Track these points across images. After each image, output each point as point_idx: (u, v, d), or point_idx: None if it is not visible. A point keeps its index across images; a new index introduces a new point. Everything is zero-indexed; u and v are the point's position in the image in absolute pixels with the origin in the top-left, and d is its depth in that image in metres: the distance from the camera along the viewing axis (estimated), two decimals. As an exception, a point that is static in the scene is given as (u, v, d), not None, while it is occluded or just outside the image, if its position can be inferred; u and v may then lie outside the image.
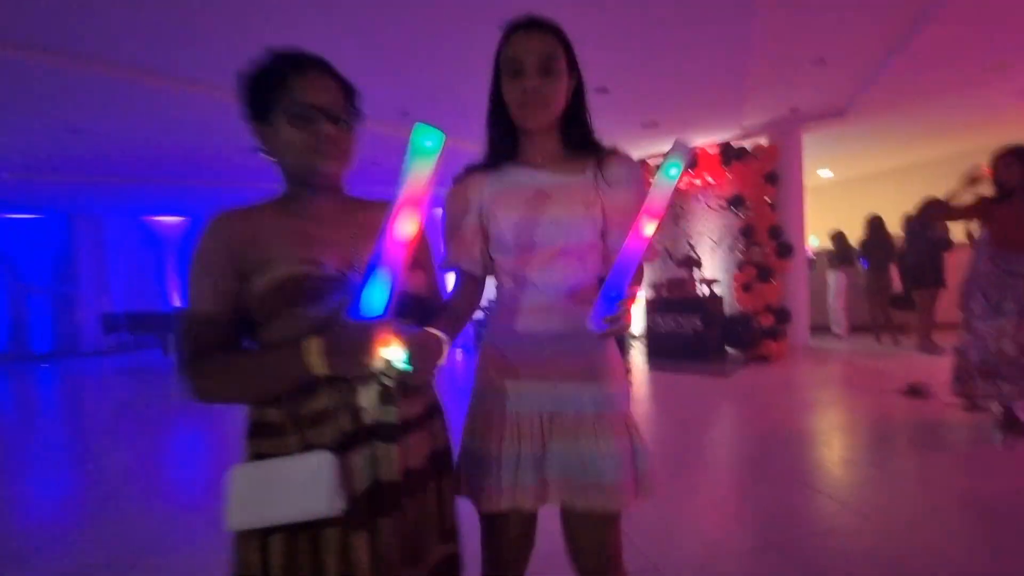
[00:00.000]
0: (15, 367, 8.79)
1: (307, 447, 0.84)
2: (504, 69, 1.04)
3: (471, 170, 1.13)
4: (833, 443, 3.17)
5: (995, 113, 6.28)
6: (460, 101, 4.25)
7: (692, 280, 6.38)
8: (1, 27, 3.11)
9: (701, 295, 6.24)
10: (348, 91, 0.93)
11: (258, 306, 0.85)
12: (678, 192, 7.14)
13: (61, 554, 2.26)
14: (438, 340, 0.91)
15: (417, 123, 0.73)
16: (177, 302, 10.75)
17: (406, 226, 0.74)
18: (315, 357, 0.77)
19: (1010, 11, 3.55)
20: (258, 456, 0.85)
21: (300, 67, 0.87)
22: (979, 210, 3.18)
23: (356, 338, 0.75)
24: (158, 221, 10.86)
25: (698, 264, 6.47)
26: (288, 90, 0.85)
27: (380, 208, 0.97)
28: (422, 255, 1.06)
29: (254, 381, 0.83)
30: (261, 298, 0.84)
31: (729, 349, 6.17)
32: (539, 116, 1.04)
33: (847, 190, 10.08)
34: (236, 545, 0.84)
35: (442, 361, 0.91)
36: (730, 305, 6.46)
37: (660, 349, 6.26)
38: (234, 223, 0.88)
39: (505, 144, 1.11)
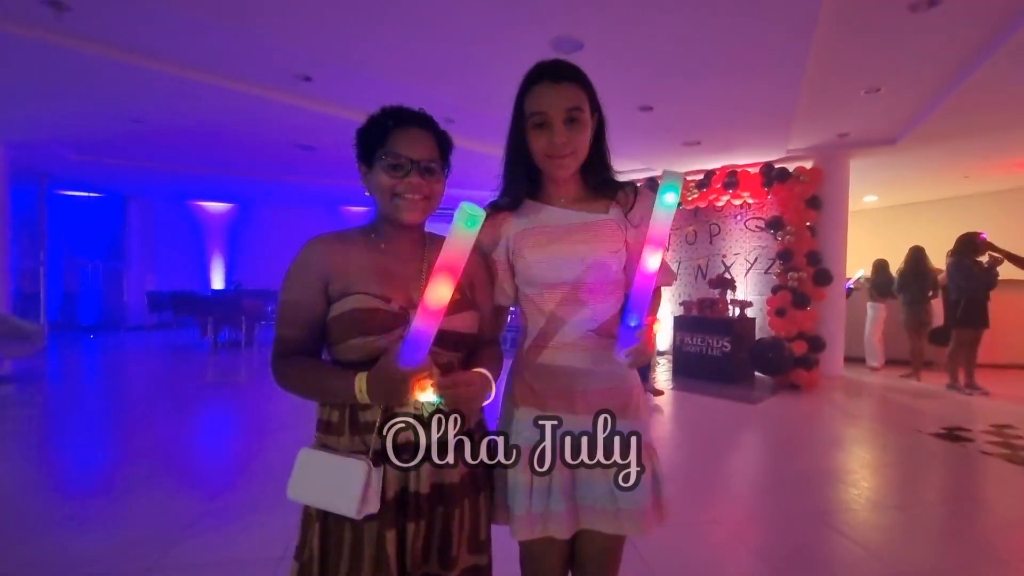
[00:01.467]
0: (64, 336, 9.27)
1: (362, 447, 0.97)
2: (529, 119, 1.05)
3: (496, 207, 1.15)
4: (860, 483, 3.10)
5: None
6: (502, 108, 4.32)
7: (724, 300, 6.29)
8: (79, 25, 3.31)
9: (732, 316, 6.15)
10: (444, 145, 1.05)
11: (332, 329, 1.00)
12: (715, 210, 7.05)
13: (108, 523, 2.41)
14: (485, 379, 1.01)
15: (463, 203, 0.79)
16: (217, 285, 11.15)
17: (440, 292, 0.83)
18: (361, 391, 0.90)
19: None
20: (323, 447, 1.01)
21: (402, 122, 1.01)
22: None
23: (394, 380, 0.86)
24: (204, 207, 11.28)
25: (732, 285, 6.38)
26: (385, 140, 0.99)
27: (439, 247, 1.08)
28: (480, 295, 1.14)
29: (316, 391, 1.00)
30: (334, 323, 0.99)
31: (758, 374, 6.06)
32: (567, 167, 1.08)
33: (892, 216, 9.77)
34: (301, 524, 1.01)
35: (489, 397, 1.03)
36: (762, 329, 6.35)
37: (686, 368, 6.19)
38: (327, 249, 1.03)
39: (526, 185, 1.14)
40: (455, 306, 1.02)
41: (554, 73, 1.04)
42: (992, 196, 8.43)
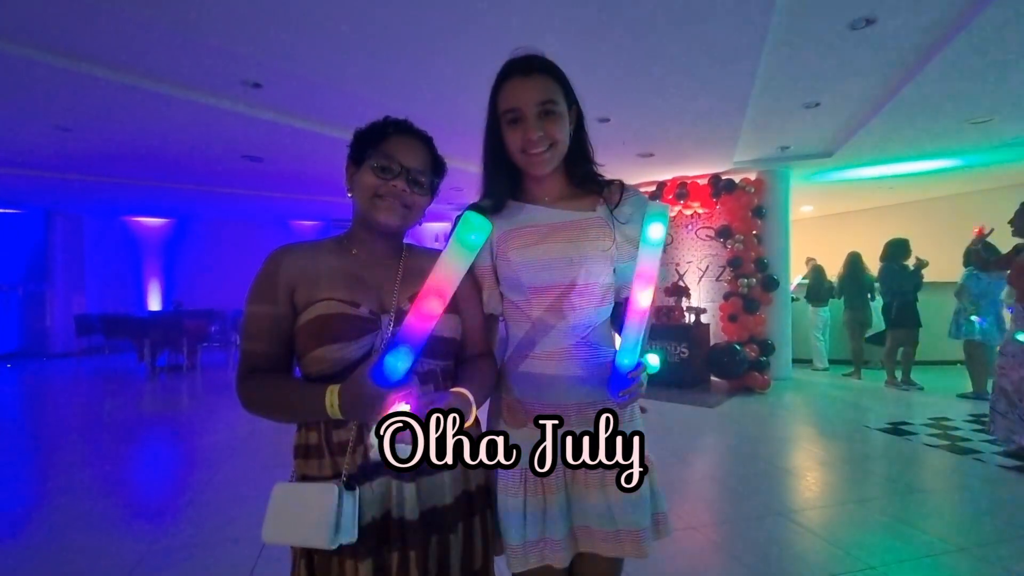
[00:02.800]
0: (-23, 366, 8.42)
1: (335, 472, 0.91)
2: (502, 117, 1.01)
3: (478, 209, 1.11)
4: (821, 479, 3.21)
5: (970, 164, 6.57)
6: (464, 121, 4.28)
7: (680, 308, 6.45)
8: None
9: (688, 323, 6.31)
10: (437, 166, 1.03)
11: (299, 340, 0.95)
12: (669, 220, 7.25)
13: (38, 572, 2.15)
14: (467, 401, 0.92)
15: (467, 211, 0.73)
16: (154, 305, 10.46)
17: (432, 306, 0.78)
18: (333, 405, 0.84)
19: (992, 68, 3.73)
20: (303, 477, 0.94)
21: (402, 130, 1.01)
22: (1009, 260, 3.44)
23: (370, 398, 0.79)
24: (139, 222, 10.61)
25: (686, 293, 6.55)
26: (380, 143, 0.98)
27: (427, 256, 1.04)
28: (465, 302, 1.07)
29: (285, 409, 0.93)
30: (300, 333, 0.94)
31: (714, 379, 6.23)
32: (546, 162, 1.02)
33: (825, 225, 10.38)
34: (292, 562, 0.96)
35: (469, 419, 0.93)
36: (715, 335, 6.54)
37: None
38: (294, 257, 0.98)
39: (507, 186, 1.09)
40: None
41: (525, 67, 1.01)
42: (913, 205, 9.11)
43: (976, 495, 2.94)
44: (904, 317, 5.82)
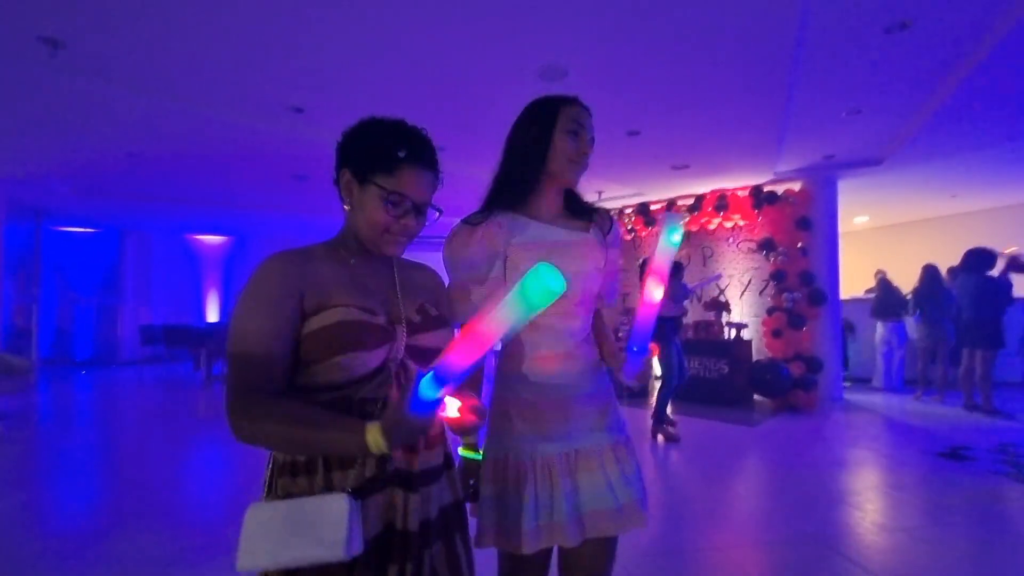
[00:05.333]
0: (56, 372, 9.15)
1: (328, 489, 0.85)
2: (562, 126, 1.14)
3: (485, 218, 1.16)
4: (864, 504, 3.03)
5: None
6: (492, 135, 4.39)
7: (719, 323, 6.27)
8: (74, 59, 3.38)
9: (728, 339, 6.11)
10: (437, 182, 0.99)
11: (309, 347, 0.87)
12: (707, 234, 7.10)
13: (92, 560, 2.33)
14: (484, 410, 1.00)
15: (541, 264, 0.67)
16: (212, 318, 11.09)
17: (476, 347, 0.74)
18: (375, 442, 0.77)
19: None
20: (286, 495, 0.86)
21: (413, 158, 0.92)
22: None
23: (413, 429, 0.78)
24: (201, 240, 11.34)
25: (727, 307, 6.37)
26: (393, 172, 0.90)
27: (413, 267, 1.08)
28: (447, 312, 1.10)
29: (302, 441, 0.82)
30: (313, 339, 0.86)
31: (757, 397, 5.98)
32: (579, 176, 1.18)
33: (883, 236, 9.84)
34: None
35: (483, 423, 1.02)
36: (758, 351, 6.30)
37: (684, 392, 6.11)
38: (296, 263, 0.91)
39: (523, 194, 1.17)
40: (435, 322, 1.00)
41: (584, 104, 1.19)
42: (982, 214, 8.51)
43: None
44: (986, 335, 5.22)
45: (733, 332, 6.15)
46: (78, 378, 8.70)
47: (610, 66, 3.49)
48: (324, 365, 0.86)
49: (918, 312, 6.12)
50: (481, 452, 1.14)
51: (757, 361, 6.01)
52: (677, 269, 4.67)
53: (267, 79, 3.71)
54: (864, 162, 5.80)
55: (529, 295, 0.68)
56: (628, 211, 7.94)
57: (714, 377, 5.85)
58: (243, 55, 3.34)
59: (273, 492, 0.89)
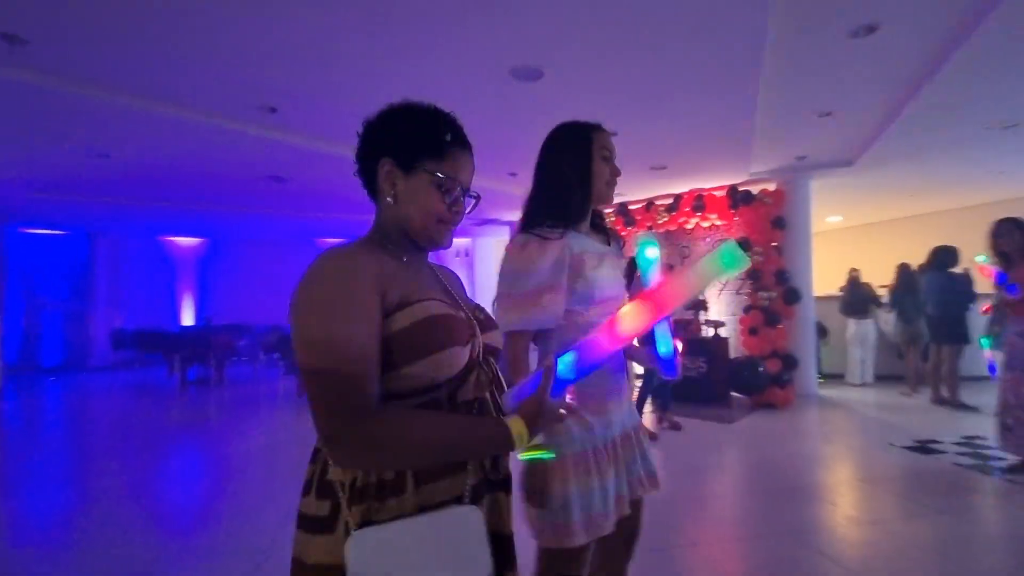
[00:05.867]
0: (23, 379, 8.86)
1: (423, 508, 0.76)
2: (597, 154, 1.30)
3: (560, 235, 1.27)
4: (838, 499, 3.10)
5: (1001, 170, 6.32)
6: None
7: (697, 321, 6.35)
8: (37, 58, 3.27)
9: (706, 336, 6.20)
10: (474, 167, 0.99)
11: (400, 346, 0.77)
12: (685, 233, 7.20)
13: (64, 570, 2.26)
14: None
15: (729, 241, 0.79)
16: (187, 321, 10.85)
17: (635, 322, 0.80)
18: (520, 435, 0.75)
19: (1011, 70, 3.61)
20: (365, 523, 0.74)
21: (459, 142, 0.89)
22: None
23: (551, 416, 0.78)
24: (175, 242, 11.08)
25: (704, 306, 6.45)
26: (445, 158, 0.86)
27: (443, 269, 1.05)
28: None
29: (451, 449, 0.76)
30: (405, 337, 0.77)
31: (735, 394, 6.08)
32: (613, 195, 1.36)
33: (856, 235, 10.08)
34: None
35: None
36: (735, 349, 6.40)
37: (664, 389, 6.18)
38: (365, 258, 0.81)
39: (583, 214, 1.33)
40: (492, 322, 0.99)
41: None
42: (950, 214, 8.77)
43: (998, 516, 2.79)
44: (951, 331, 5.40)
45: (711, 330, 6.24)
46: (46, 385, 8.43)
47: (583, 66, 3.50)
48: (417, 365, 0.77)
49: (896, 309, 6.25)
50: (551, 451, 1.06)
51: (735, 359, 6.10)
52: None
53: (239, 77, 3.64)
54: (835, 163, 5.94)
55: (721, 266, 0.76)
56: (608, 211, 7.99)
57: (693, 375, 5.92)
58: (214, 53, 3.27)
59: (339, 523, 0.75)
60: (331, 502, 0.76)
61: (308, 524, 0.77)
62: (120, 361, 9.90)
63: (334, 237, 11.44)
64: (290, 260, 11.49)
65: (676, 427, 4.78)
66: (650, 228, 7.28)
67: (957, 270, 5.55)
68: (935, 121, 4.52)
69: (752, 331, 6.16)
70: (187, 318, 10.98)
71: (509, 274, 1.23)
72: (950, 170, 6.38)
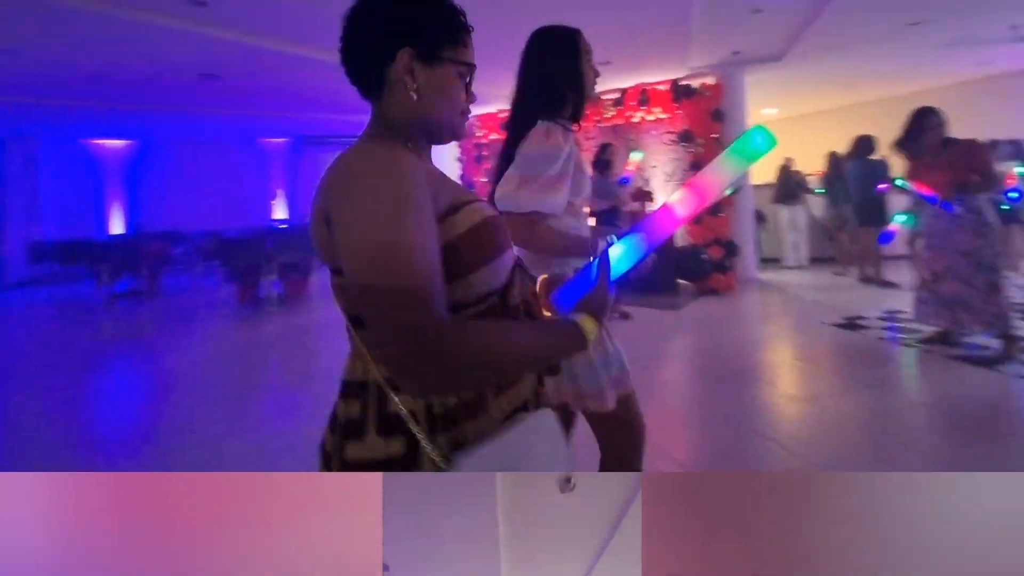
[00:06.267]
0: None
1: (500, 423, 0.72)
2: (585, 55, 1.37)
3: (574, 125, 1.39)
4: (776, 380, 3.27)
5: (921, 63, 6.69)
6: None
7: (644, 213, 6.73)
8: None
9: (651, 227, 6.60)
10: None
11: (463, 252, 0.69)
12: (632, 126, 7.37)
13: None
14: None
15: (757, 125, 0.80)
16: (116, 229, 10.15)
17: (687, 206, 0.80)
18: (591, 331, 0.74)
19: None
20: (459, 448, 0.67)
21: (467, 28, 0.79)
22: None
23: (608, 304, 0.78)
24: (99, 144, 10.22)
25: (650, 197, 6.78)
26: (461, 42, 0.77)
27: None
28: None
29: (531, 358, 0.72)
30: (466, 243, 0.69)
31: (680, 281, 6.45)
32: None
33: (792, 126, 10.50)
34: None
35: None
36: (680, 238, 6.81)
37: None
38: (406, 157, 0.68)
39: (580, 112, 1.40)
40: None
41: None
42: (882, 103, 9.19)
43: (919, 384, 3.03)
44: (871, 214, 5.79)
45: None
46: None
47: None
48: (480, 272, 0.70)
49: (827, 194, 6.76)
50: None
51: (679, 247, 6.45)
52: (605, 166, 5.00)
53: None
54: (766, 58, 6.15)
55: (754, 149, 0.77)
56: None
57: (640, 265, 6.37)
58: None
59: (421, 461, 0.67)
60: (405, 438, 0.67)
61: (381, 469, 0.68)
62: (40, 276, 9.12)
63: (279, 137, 10.89)
64: (233, 161, 10.95)
65: (626, 316, 4.94)
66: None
67: (875, 157, 5.98)
68: (852, 16, 4.78)
69: (696, 220, 6.62)
70: (116, 227, 10.27)
71: (538, 158, 1.25)
72: (870, 65, 6.71)
